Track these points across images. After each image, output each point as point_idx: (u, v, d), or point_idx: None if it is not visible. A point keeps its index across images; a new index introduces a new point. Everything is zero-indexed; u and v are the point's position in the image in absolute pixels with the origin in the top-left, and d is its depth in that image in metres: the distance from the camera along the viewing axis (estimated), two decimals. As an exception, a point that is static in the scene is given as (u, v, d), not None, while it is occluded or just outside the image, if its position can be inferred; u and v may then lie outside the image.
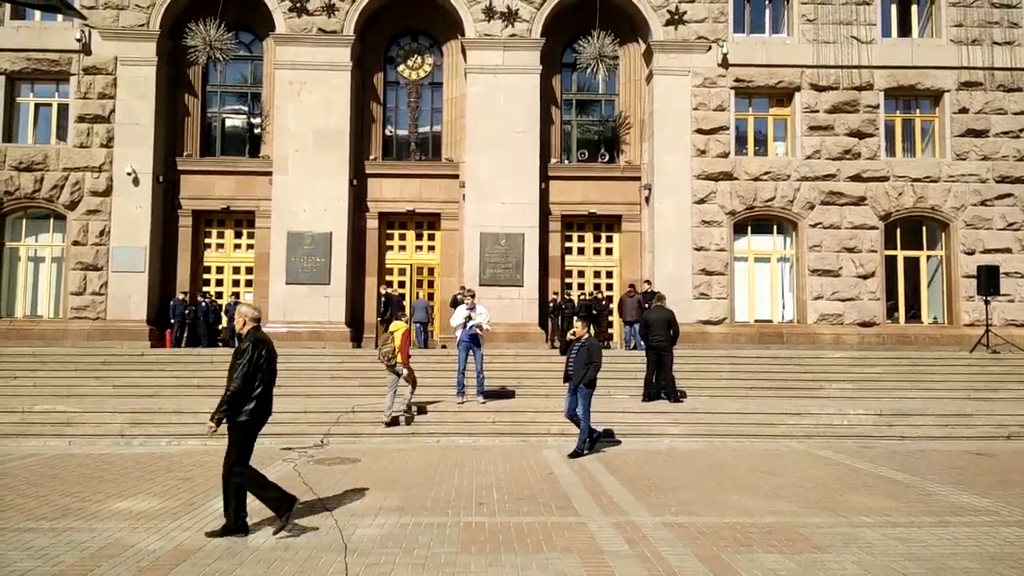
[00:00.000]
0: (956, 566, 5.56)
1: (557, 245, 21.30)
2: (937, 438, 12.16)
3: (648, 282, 19.58)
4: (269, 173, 20.59)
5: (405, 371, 12.41)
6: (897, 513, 7.18)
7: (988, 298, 18.66)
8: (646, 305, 17.45)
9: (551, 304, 20.60)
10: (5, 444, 11.25)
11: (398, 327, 12.80)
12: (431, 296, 21.34)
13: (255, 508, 6.46)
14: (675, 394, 13.86)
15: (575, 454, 10.22)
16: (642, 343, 15.36)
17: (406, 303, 19.99)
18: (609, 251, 22.04)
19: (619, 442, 11.36)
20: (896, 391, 15.39)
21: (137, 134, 19.98)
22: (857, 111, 20.48)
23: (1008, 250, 20.15)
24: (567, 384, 10.50)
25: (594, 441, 10.65)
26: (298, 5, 20.22)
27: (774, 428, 12.38)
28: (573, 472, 9.16)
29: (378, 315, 19.37)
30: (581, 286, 21.53)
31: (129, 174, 19.74)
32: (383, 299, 18.95)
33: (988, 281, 18.53)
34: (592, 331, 10.88)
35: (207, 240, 21.68)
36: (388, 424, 12.26)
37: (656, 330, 13.96)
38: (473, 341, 13.33)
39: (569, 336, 10.67)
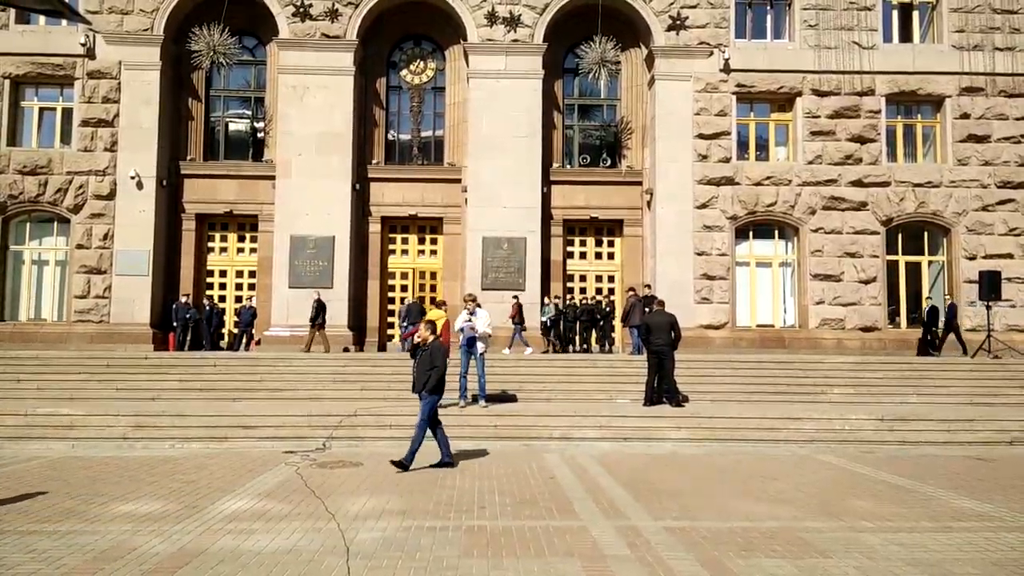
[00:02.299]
0: (958, 571, 5.57)
1: (559, 249, 21.34)
2: (939, 443, 12.13)
3: (648, 286, 19.58)
4: (272, 177, 20.66)
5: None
6: (899, 518, 7.19)
7: (990, 303, 18.68)
8: (646, 309, 17.47)
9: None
10: (9, 447, 11.27)
11: (439, 315, 13.12)
12: (432, 300, 21.35)
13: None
14: (677, 398, 13.87)
15: (401, 464, 9.26)
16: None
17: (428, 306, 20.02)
18: (611, 255, 22.08)
19: (454, 465, 9.64)
20: (897, 396, 15.38)
21: (141, 138, 20.06)
22: (859, 116, 20.52)
23: (1010, 255, 20.17)
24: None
25: (443, 464, 9.53)
26: (301, 10, 20.31)
27: (776, 432, 12.36)
28: (575, 476, 9.17)
29: (310, 320, 19.11)
30: (583, 290, 21.58)
31: (133, 178, 19.82)
32: (316, 304, 18.89)
33: (990, 286, 18.56)
34: (435, 335, 9.74)
35: (210, 244, 21.77)
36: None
37: (658, 334, 13.97)
38: (472, 345, 13.37)
39: (416, 340, 9.85)
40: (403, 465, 9.26)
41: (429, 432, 9.51)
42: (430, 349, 9.54)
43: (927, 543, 6.32)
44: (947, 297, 19.73)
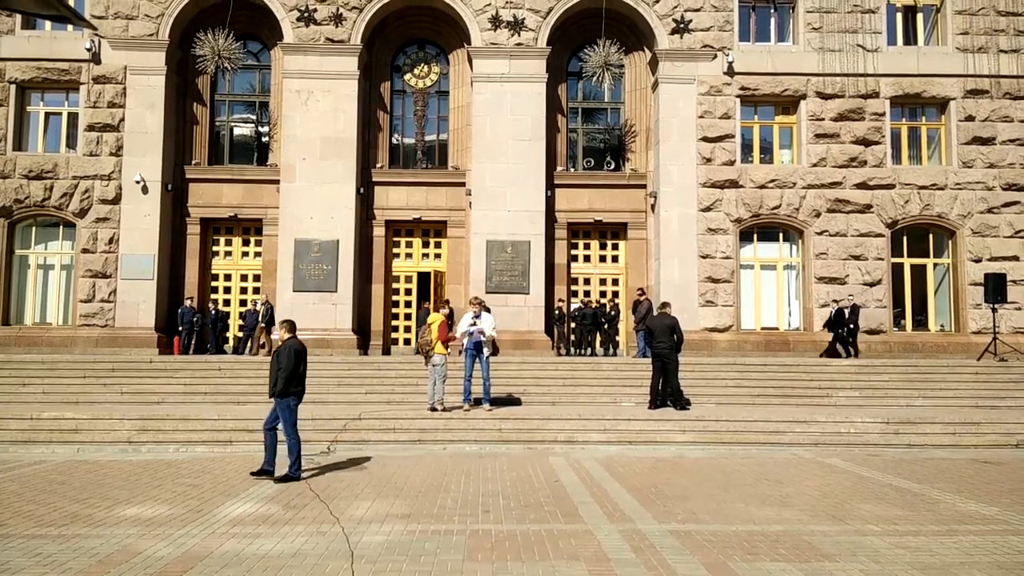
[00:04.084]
0: (964, 575, 5.55)
1: (563, 253, 21.34)
2: (944, 446, 12.11)
3: (640, 290, 19.64)
4: (277, 181, 20.70)
5: (439, 356, 13.05)
6: (904, 521, 7.16)
7: (995, 306, 18.64)
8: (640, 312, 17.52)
9: (556, 312, 20.65)
10: (14, 451, 11.32)
11: (435, 318, 13.32)
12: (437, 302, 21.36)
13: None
14: (681, 401, 13.85)
15: (286, 477, 8.79)
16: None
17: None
18: (615, 259, 22.06)
19: (296, 479, 8.98)
20: (903, 399, 15.35)
21: (146, 143, 20.12)
22: (863, 119, 20.49)
23: (1015, 258, 20.10)
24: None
25: (289, 477, 8.89)
26: (306, 15, 20.36)
27: (781, 436, 12.35)
28: (579, 480, 9.17)
29: (260, 321, 19.29)
30: (587, 293, 21.56)
31: (138, 182, 19.88)
32: (264, 307, 19.35)
33: (995, 289, 18.52)
34: (293, 334, 9.22)
35: (215, 248, 21.81)
36: (435, 409, 13.07)
37: (659, 337, 13.96)
38: (478, 348, 13.37)
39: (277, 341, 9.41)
40: (293, 477, 8.84)
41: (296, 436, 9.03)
42: (277, 350, 9.04)
43: (933, 546, 6.29)
44: (850, 296, 19.40)
